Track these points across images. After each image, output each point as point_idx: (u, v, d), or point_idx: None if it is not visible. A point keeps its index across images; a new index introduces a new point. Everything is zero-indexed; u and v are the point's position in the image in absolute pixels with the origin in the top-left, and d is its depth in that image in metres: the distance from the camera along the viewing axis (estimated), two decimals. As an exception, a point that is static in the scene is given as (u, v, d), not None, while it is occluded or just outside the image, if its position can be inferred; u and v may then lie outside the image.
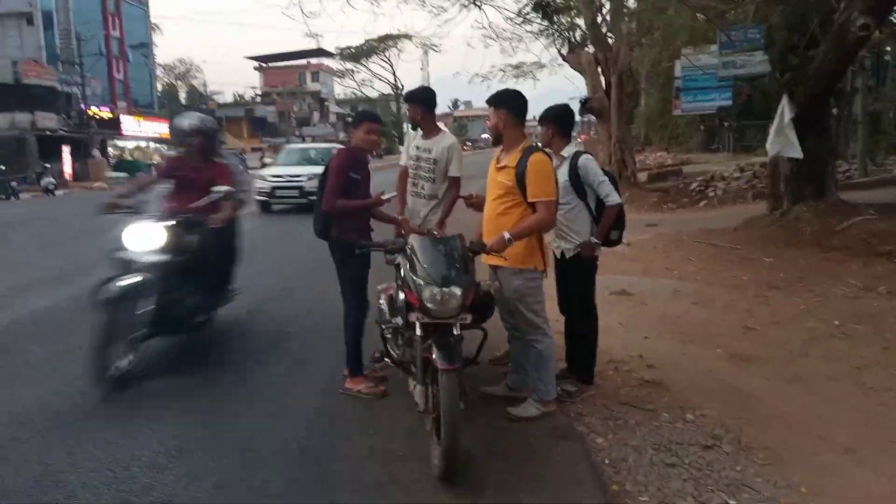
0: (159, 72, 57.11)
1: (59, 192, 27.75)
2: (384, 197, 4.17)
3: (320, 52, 61.54)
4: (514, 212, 3.53)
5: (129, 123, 41.71)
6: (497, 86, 28.41)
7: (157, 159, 44.01)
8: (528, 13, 16.80)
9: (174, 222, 4.45)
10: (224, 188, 4.69)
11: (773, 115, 9.45)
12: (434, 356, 3.03)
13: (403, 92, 65.90)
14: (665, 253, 8.96)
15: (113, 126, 40.15)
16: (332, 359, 4.39)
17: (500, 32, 19.91)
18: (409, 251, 3.40)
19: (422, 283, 3.15)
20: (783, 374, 4.42)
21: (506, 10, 28.95)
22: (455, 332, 3.20)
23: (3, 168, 26.25)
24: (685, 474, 3.13)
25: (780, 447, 3.40)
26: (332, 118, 67.78)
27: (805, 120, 8.84)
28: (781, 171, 9.63)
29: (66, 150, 34.43)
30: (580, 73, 17.59)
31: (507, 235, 3.37)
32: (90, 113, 37.12)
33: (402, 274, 3.40)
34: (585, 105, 16.88)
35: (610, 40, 16.96)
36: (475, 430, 3.53)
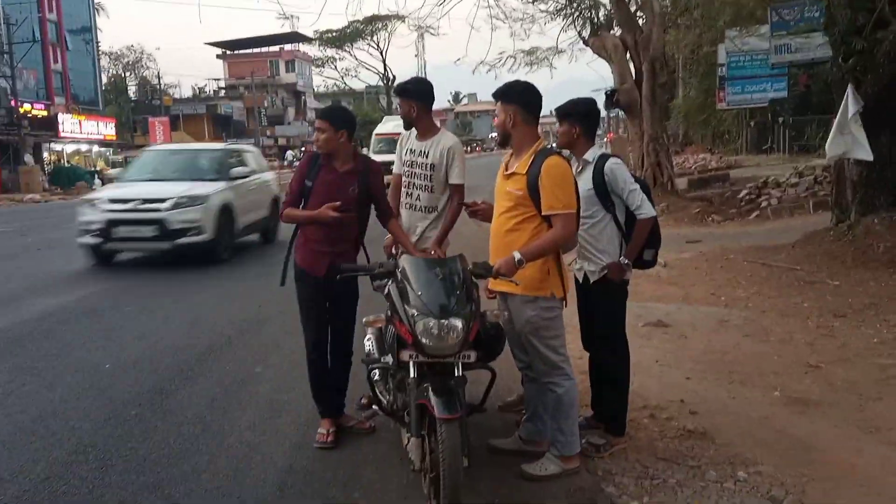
0: (104, 61, 57.74)
1: (-17, 206, 27.84)
2: (333, 212, 3.96)
3: (296, 37, 62.18)
4: (525, 227, 3.53)
5: (67, 123, 41.99)
6: (506, 76, 28.69)
7: (100, 167, 44.28)
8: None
9: None
10: None
11: (835, 109, 9.51)
12: (431, 403, 3.02)
13: (394, 83, 66.51)
14: (709, 275, 8.98)
15: (49, 126, 40.40)
16: (307, 404, 4.39)
17: (510, 13, 20.04)
18: (399, 275, 3.39)
19: (415, 313, 3.14)
20: (853, 422, 4.39)
21: (516, -16, 29.21)
22: (457, 373, 3.19)
23: None
24: (737, 545, 3.11)
25: (851, 511, 3.37)
26: (311, 115, 68.18)
27: (875, 115, 8.89)
28: (848, 177, 9.66)
29: (-9, 156, 34.67)
30: (605, 59, 17.75)
31: (517, 256, 3.38)
32: (22, 111, 37.38)
33: (392, 303, 3.39)
34: (612, 98, 17.02)
35: (640, 21, 17.12)
36: (482, 492, 3.50)
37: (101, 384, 5.38)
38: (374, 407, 3.92)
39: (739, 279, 8.61)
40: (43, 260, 12.07)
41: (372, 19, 55.37)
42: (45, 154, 41.87)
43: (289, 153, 55.67)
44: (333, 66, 62.59)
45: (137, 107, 60.42)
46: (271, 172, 15.46)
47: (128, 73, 64.95)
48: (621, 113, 23.13)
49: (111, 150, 48.82)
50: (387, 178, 4.34)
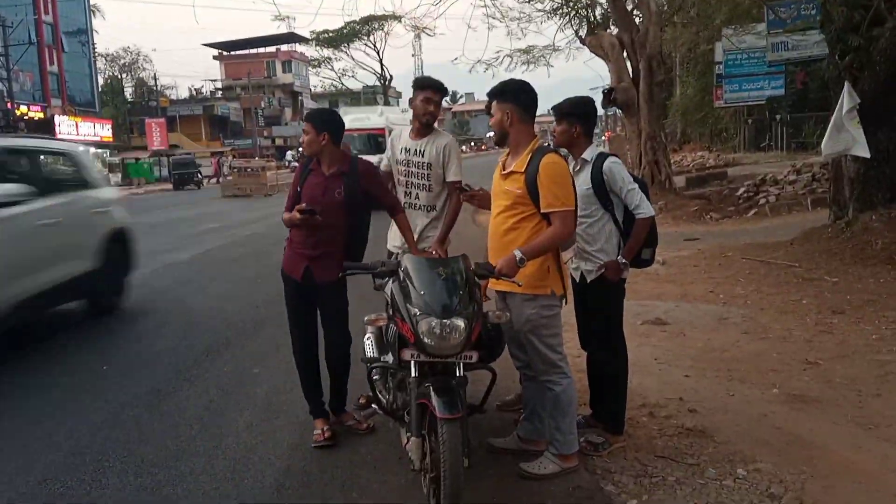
0: (101, 63, 57.69)
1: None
2: (298, 214, 3.93)
3: (292, 38, 62.21)
4: (525, 226, 3.53)
5: (64, 125, 41.95)
6: (503, 75, 28.62)
7: (97, 169, 44.12)
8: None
9: None
10: None
11: (832, 107, 9.51)
12: (433, 403, 3.01)
13: (391, 83, 66.53)
14: (707, 273, 8.98)
15: (45, 128, 40.34)
16: (305, 405, 4.37)
17: (506, 12, 20.01)
18: (401, 274, 3.39)
19: (417, 312, 3.14)
20: (851, 418, 4.39)
21: (513, -16, 29.17)
22: (458, 374, 3.19)
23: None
24: (736, 543, 3.10)
25: (850, 508, 3.37)
26: (308, 115, 68.21)
27: (872, 111, 8.89)
28: (846, 174, 9.67)
29: (-12, 158, 34.55)
30: (602, 58, 17.73)
31: (518, 254, 3.37)
32: (18, 113, 37.33)
33: (394, 302, 3.38)
34: (609, 96, 17.00)
35: (637, 19, 17.11)
36: (481, 492, 3.50)
37: (98, 386, 5.37)
38: (373, 406, 3.91)
39: (738, 277, 8.62)
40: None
41: (368, 19, 55.32)
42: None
43: (289, 153, 55.65)
44: (330, 67, 62.58)
45: (134, 108, 60.39)
46: (112, 189, 9.83)
47: (124, 75, 64.91)
48: (619, 111, 23.10)
49: (108, 151, 48.73)
50: None
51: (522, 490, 3.60)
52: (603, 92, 17.45)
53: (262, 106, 66.31)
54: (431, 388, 3.11)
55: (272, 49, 68.91)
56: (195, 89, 71.03)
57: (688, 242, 11.47)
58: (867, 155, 8.98)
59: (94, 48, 51.32)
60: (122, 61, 64.16)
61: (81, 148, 10.07)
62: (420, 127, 4.46)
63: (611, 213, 4.02)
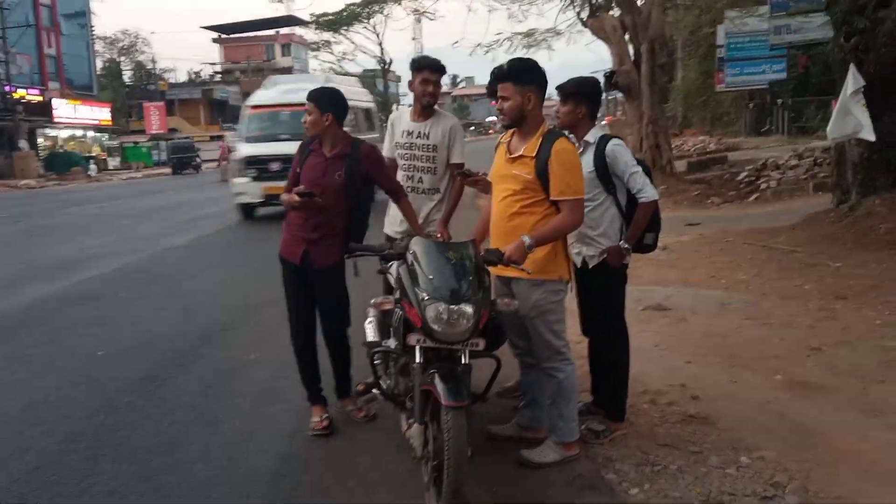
0: (99, 46, 57.18)
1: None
2: (296, 197, 3.84)
3: (291, 21, 61.64)
4: (534, 211, 3.43)
5: (62, 108, 41.73)
6: (504, 58, 28.24)
7: (96, 152, 44.06)
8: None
9: None
10: None
11: (836, 91, 9.40)
12: (437, 389, 2.95)
13: (390, 66, 66.14)
14: (709, 258, 8.91)
15: (43, 111, 40.15)
16: (303, 391, 4.31)
17: (507, -6, 19.81)
18: (410, 258, 3.31)
19: (425, 297, 3.06)
20: (856, 406, 4.33)
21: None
22: (463, 361, 3.12)
23: None
24: (740, 533, 3.05)
25: (854, 496, 3.31)
26: (307, 99, 67.82)
27: (877, 94, 8.78)
28: (849, 158, 9.58)
29: (-14, 141, 34.45)
30: (603, 41, 17.56)
31: (526, 240, 3.28)
32: (15, 96, 37.11)
33: (401, 286, 3.30)
34: (611, 80, 16.86)
35: (639, 1, 16.94)
36: (481, 480, 3.43)
37: (93, 372, 5.31)
38: (374, 391, 3.84)
39: (740, 262, 8.54)
40: (37, 246, 11.98)
41: (368, 2, 54.88)
42: (40, 140, 41.61)
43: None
44: (329, 50, 62.15)
45: (133, 92, 60.01)
46: None
47: (123, 58, 64.45)
48: (620, 95, 22.93)
49: (107, 135, 48.56)
50: None
51: (523, 478, 3.55)
52: (604, 75, 17.29)
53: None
54: (436, 374, 3.04)
55: (271, 32, 68.43)
56: (194, 73, 70.64)
57: (689, 227, 11.38)
58: (872, 138, 8.87)
59: (92, 31, 50.94)
60: (121, 44, 63.60)
61: None
62: (421, 108, 4.38)
63: (613, 197, 3.93)
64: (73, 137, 44.61)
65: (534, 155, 3.41)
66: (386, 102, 66.94)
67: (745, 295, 7.12)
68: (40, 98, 40.30)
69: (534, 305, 3.49)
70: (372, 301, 3.49)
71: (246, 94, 62.80)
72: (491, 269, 3.52)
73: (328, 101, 3.99)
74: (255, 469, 3.72)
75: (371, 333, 4.10)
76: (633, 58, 16.66)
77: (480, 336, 3.18)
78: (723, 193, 15.22)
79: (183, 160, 40.24)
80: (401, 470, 3.62)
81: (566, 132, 3.77)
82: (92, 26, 50.78)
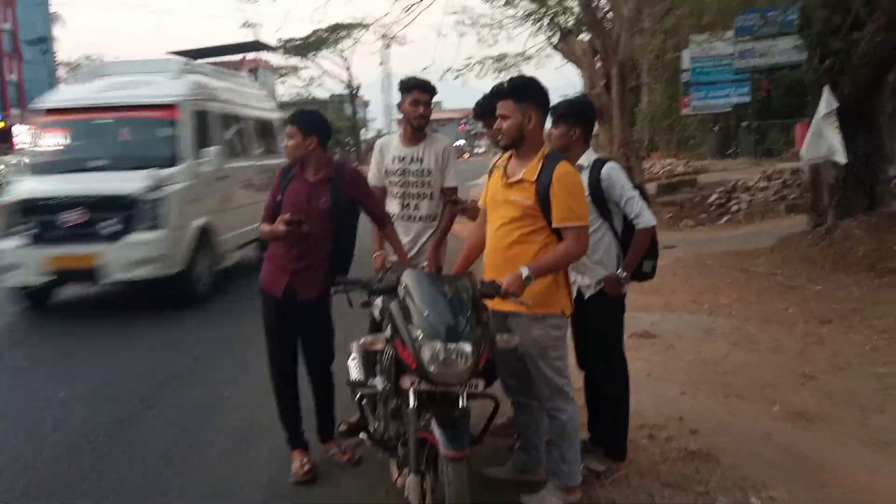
0: (62, 71, 56.16)
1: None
2: (283, 224, 3.62)
3: (259, 46, 60.93)
4: (534, 240, 3.23)
5: (24, 135, 40.78)
6: (474, 82, 28.26)
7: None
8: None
9: None
10: None
11: (804, 113, 9.44)
12: (436, 438, 2.71)
13: (358, 92, 66.06)
14: (688, 281, 8.80)
15: (4, 138, 39.26)
16: (281, 433, 4.04)
17: (477, 18, 19.85)
18: (402, 292, 3.06)
19: (420, 335, 2.81)
20: (860, 437, 4.18)
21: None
22: (461, 404, 2.89)
23: None
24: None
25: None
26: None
27: (852, 116, 8.81)
28: (824, 180, 9.59)
29: (-57, 169, 33.47)
30: (574, 64, 17.63)
31: (525, 272, 3.07)
32: (-25, 122, 36.27)
33: (393, 322, 3.05)
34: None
35: (608, 25, 17.02)
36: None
37: (54, 415, 4.97)
38: (361, 436, 3.58)
39: (719, 285, 8.44)
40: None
41: (336, 28, 54.86)
42: (1, 167, 40.59)
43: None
44: (297, 76, 61.88)
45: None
46: None
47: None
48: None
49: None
50: None
51: (523, 526, 3.32)
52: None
53: (229, 114, 65.26)
54: (434, 420, 2.80)
55: (238, 57, 67.92)
56: (159, 98, 69.67)
57: (665, 250, 11.18)
58: (844, 161, 8.89)
59: (54, 56, 50.13)
60: (84, 69, 62.78)
61: None
62: (412, 131, 4.18)
63: (609, 223, 3.77)
64: (34, 164, 43.63)
65: (534, 179, 3.20)
66: (354, 127, 66.91)
67: (729, 319, 7.00)
68: (2, 124, 39.44)
69: (534, 342, 3.27)
70: (361, 340, 3.24)
71: (212, 119, 62.53)
72: (488, 302, 3.31)
73: (311, 122, 3.78)
74: (233, 522, 3.45)
75: (355, 372, 3.86)
76: (604, 81, 16.70)
77: (480, 376, 2.96)
78: (694, 216, 15.21)
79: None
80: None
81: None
82: (54, 52, 49.98)
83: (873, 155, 9.16)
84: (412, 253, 4.21)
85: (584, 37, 17.97)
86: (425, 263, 4.18)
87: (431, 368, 2.78)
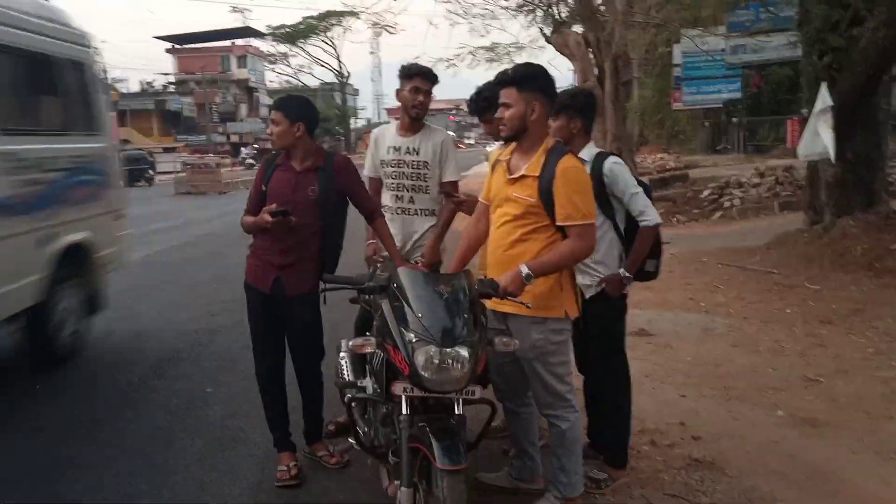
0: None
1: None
2: (269, 216, 3.38)
3: (248, 32, 60.84)
4: (537, 237, 3.01)
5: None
6: (465, 72, 27.94)
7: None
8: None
9: None
10: None
11: (785, 111, 9.28)
12: (431, 450, 2.50)
13: (349, 80, 65.58)
14: (684, 278, 8.64)
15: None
16: (266, 431, 3.83)
17: (469, 8, 19.55)
18: (394, 290, 2.85)
19: (413, 339, 2.60)
20: (868, 445, 4.02)
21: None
22: (457, 411, 2.68)
23: None
24: None
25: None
26: (264, 111, 66.75)
27: (850, 114, 8.66)
28: (822, 177, 9.44)
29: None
30: (567, 57, 17.39)
31: (524, 270, 2.87)
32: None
33: (384, 324, 2.83)
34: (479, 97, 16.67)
35: (602, 19, 16.80)
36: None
37: (29, 410, 4.73)
38: (350, 441, 3.37)
39: (716, 283, 8.30)
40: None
41: (326, 15, 54.45)
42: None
43: (243, 150, 54.30)
44: (287, 62, 61.41)
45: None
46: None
47: (73, 67, 62.50)
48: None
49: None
50: None
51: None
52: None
53: (217, 101, 64.69)
54: (428, 430, 2.60)
55: (227, 43, 67.30)
56: (147, 83, 68.92)
57: (659, 246, 11.14)
58: (832, 159, 8.76)
59: (40, 39, 49.30)
60: (71, 53, 61.73)
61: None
62: (409, 121, 3.95)
63: (612, 221, 3.56)
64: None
65: (537, 174, 2.99)
66: (344, 115, 66.49)
67: (727, 319, 6.85)
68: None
69: (533, 346, 3.06)
70: (350, 343, 3.02)
71: (200, 106, 62.04)
72: (487, 302, 3.11)
73: (298, 108, 3.55)
74: (212, 531, 3.24)
75: (345, 371, 3.65)
76: (596, 75, 16.49)
77: (478, 382, 2.75)
78: (687, 211, 15.10)
79: (135, 172, 38.92)
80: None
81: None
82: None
83: (872, 153, 9.01)
84: (406, 248, 4.00)
85: (578, 29, 17.72)
86: (419, 257, 3.97)
87: (426, 375, 2.57)
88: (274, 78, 68.53)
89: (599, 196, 3.45)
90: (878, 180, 9.30)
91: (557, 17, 18.36)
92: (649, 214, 3.51)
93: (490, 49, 21.53)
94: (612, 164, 3.54)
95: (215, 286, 8.63)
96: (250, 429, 4.28)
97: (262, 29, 58.59)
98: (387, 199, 4.04)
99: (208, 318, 7.13)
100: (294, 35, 57.99)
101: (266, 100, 67.38)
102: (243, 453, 4.02)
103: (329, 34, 58.17)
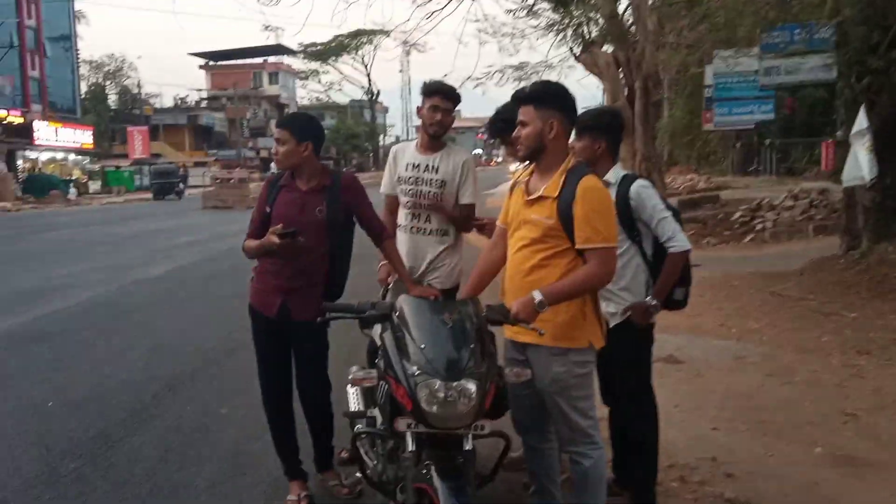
0: (84, 69, 56.64)
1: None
2: (276, 237, 3.22)
3: (280, 50, 61.61)
4: (556, 263, 2.85)
5: (43, 130, 40.95)
6: (494, 91, 27.85)
7: (76, 175, 43.27)
8: (535, 4, 16.47)
9: None
10: None
11: (819, 134, 9.04)
12: (437, 494, 2.34)
13: (378, 97, 66.07)
14: (715, 303, 8.39)
15: (24, 133, 39.37)
16: (277, 458, 3.69)
17: (499, 27, 19.47)
18: (396, 320, 2.70)
19: (416, 372, 2.44)
20: (915, 488, 3.77)
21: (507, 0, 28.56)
22: (465, 447, 2.51)
23: None
24: None
25: None
26: (294, 128, 67.27)
27: (890, 137, 8.39)
28: (860, 202, 9.16)
29: (-37, 163, 33.37)
30: (596, 76, 17.23)
31: (537, 297, 2.70)
32: (-3, 117, 36.21)
33: (386, 356, 2.68)
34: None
35: (633, 38, 16.64)
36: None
37: (38, 428, 4.65)
38: (357, 475, 3.21)
39: (749, 309, 8.03)
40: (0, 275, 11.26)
41: (357, 34, 54.96)
42: (20, 162, 40.76)
43: (272, 165, 54.76)
44: (317, 80, 62.08)
45: (117, 116, 59.26)
46: None
47: (108, 82, 63.75)
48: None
49: (88, 158, 47.75)
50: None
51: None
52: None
53: (248, 117, 65.48)
54: (434, 469, 2.43)
55: (259, 60, 68.23)
56: (180, 98, 70.04)
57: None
58: (864, 182, 8.50)
59: (77, 54, 50.33)
60: (107, 68, 62.98)
61: None
62: (428, 139, 3.82)
63: (638, 246, 3.40)
64: (53, 160, 43.75)
65: (556, 195, 2.83)
66: (373, 132, 66.91)
67: (761, 347, 6.59)
68: (21, 120, 39.49)
69: (555, 379, 2.87)
70: (350, 375, 2.87)
71: (231, 122, 62.81)
72: (505, 332, 2.94)
73: (305, 127, 3.42)
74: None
75: (353, 402, 3.50)
76: (626, 94, 16.32)
77: (487, 416, 2.57)
78: (718, 233, 14.80)
79: (165, 185, 39.42)
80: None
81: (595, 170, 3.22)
82: (77, 50, 50.21)
83: (913, 178, 8.72)
84: (420, 270, 3.85)
85: (608, 49, 17.57)
86: (435, 279, 3.82)
87: (430, 410, 2.41)
88: (304, 94, 69.32)
89: (625, 220, 3.30)
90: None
91: (587, 36, 18.23)
92: (678, 240, 3.33)
93: (518, 68, 21.37)
94: (640, 187, 3.37)
95: (236, 303, 8.52)
96: (263, 454, 4.13)
97: (294, 47, 59.29)
98: (402, 217, 3.91)
99: (227, 335, 7.02)
100: (325, 53, 58.68)
101: (296, 116, 67.80)
102: (255, 480, 3.89)
103: (360, 52, 58.75)
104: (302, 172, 3.41)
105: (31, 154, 41.90)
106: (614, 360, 3.42)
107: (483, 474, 2.90)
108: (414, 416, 2.46)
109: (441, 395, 2.40)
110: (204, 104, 67.29)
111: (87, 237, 17.63)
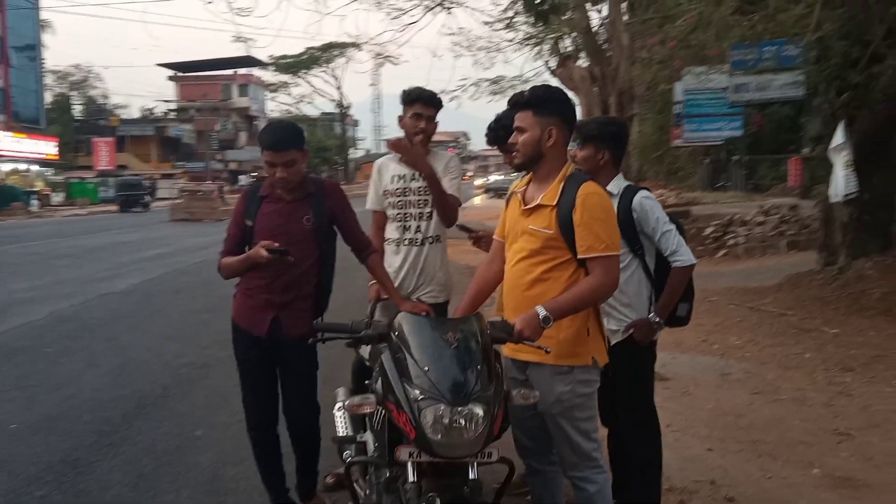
0: (49, 79, 55.44)
1: None
2: (264, 251, 3.04)
3: (250, 61, 61.05)
4: (558, 276, 2.71)
5: (5, 141, 40.02)
6: (468, 104, 27.82)
7: (39, 187, 42.32)
8: (514, 17, 16.44)
9: None
10: None
11: (785, 151, 9.10)
12: None
13: (349, 110, 65.81)
14: (695, 319, 8.11)
15: (-15, 143, 38.45)
16: (259, 485, 3.49)
17: (474, 40, 19.44)
18: (394, 339, 2.52)
19: (419, 396, 2.26)
20: (916, 511, 3.69)
21: (483, 11, 28.60)
22: (470, 476, 2.33)
23: None
24: None
25: None
26: (263, 140, 66.67)
27: (869, 153, 8.44)
28: (837, 218, 9.20)
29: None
30: (572, 90, 17.20)
31: (541, 312, 2.56)
32: (-44, 126, 35.25)
33: (385, 379, 2.49)
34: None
35: (608, 53, 16.72)
36: None
37: (1, 452, 4.37)
38: None
39: (729, 324, 7.98)
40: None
41: (329, 46, 54.75)
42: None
43: (242, 178, 54.14)
44: (287, 92, 61.67)
45: (83, 127, 58.16)
46: None
47: (74, 92, 62.59)
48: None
49: (52, 170, 46.76)
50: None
51: None
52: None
53: (217, 129, 64.70)
54: (437, 498, 2.26)
55: (229, 72, 67.60)
56: (147, 109, 68.98)
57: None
58: (838, 198, 8.56)
59: (42, 64, 49.37)
60: (73, 78, 61.85)
61: None
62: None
63: (641, 260, 3.29)
64: (15, 171, 42.72)
65: (554, 203, 2.70)
66: (343, 145, 66.61)
67: (744, 363, 6.53)
68: (-17, 130, 38.58)
69: (558, 400, 2.73)
70: (346, 402, 2.67)
71: (200, 133, 62.06)
72: (504, 349, 2.79)
73: (303, 138, 3.25)
74: None
75: (341, 427, 3.30)
76: (601, 109, 16.35)
77: (494, 441, 2.40)
78: (691, 249, 14.81)
79: (131, 198, 38.73)
80: None
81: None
82: (43, 59, 49.25)
83: (891, 193, 8.75)
84: (412, 283, 3.70)
85: (583, 62, 17.63)
86: (428, 293, 3.68)
87: (435, 438, 2.22)
88: (274, 107, 68.75)
89: (628, 233, 3.19)
90: (896, 222, 9.04)
91: (563, 50, 18.28)
92: (683, 254, 3.24)
93: (494, 82, 21.34)
94: (643, 198, 3.27)
95: (207, 317, 8.27)
96: (243, 478, 3.94)
97: (265, 59, 58.83)
98: (392, 231, 3.78)
99: (199, 351, 6.78)
100: (296, 65, 58.32)
101: (265, 128, 67.26)
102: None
103: (331, 65, 58.53)
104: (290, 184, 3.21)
105: (-6, 165, 40.89)
106: (616, 380, 3.30)
107: (485, 502, 2.73)
108: (418, 445, 2.27)
109: (447, 420, 2.22)
110: (172, 115, 66.40)
111: (50, 250, 17.11)
